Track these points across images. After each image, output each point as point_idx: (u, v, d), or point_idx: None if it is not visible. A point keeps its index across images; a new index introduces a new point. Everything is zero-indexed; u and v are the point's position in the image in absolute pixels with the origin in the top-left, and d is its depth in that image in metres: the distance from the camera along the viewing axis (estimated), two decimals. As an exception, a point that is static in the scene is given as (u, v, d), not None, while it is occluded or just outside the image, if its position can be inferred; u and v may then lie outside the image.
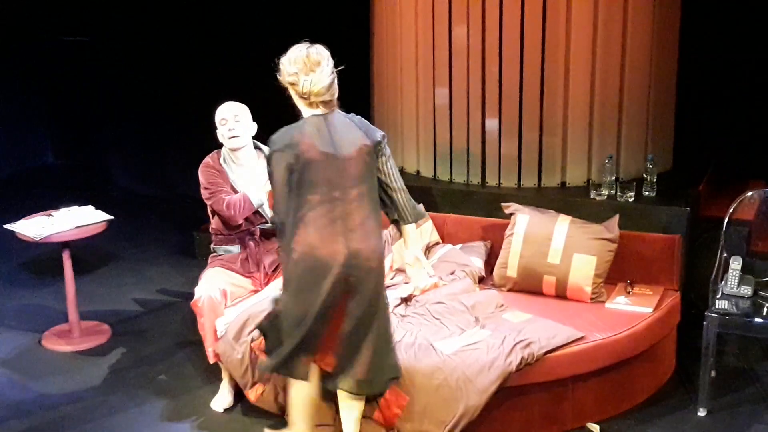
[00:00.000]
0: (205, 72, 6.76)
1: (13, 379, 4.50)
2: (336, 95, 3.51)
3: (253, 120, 4.37)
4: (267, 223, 4.37)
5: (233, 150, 4.32)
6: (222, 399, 4.19)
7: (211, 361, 4.18)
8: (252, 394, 4.05)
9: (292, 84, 3.48)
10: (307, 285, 3.44)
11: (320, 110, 3.49)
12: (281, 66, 3.52)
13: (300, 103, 3.53)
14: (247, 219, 4.33)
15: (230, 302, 4.21)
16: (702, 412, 4.06)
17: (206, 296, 4.13)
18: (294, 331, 3.48)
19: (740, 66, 5.39)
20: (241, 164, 4.34)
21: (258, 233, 4.37)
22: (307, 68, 3.45)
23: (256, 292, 4.32)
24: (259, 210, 4.33)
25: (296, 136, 3.43)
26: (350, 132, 3.51)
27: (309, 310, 3.44)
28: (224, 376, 4.21)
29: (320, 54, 3.49)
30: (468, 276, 4.47)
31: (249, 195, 4.27)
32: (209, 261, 4.42)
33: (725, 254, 4.18)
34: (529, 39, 4.70)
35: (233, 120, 4.28)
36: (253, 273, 4.35)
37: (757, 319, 3.98)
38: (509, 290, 4.46)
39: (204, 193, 4.31)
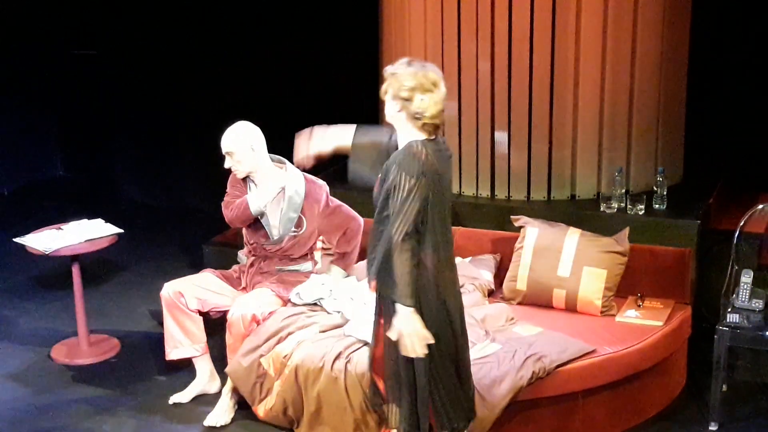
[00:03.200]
0: (215, 84, 6.78)
1: (21, 392, 4.49)
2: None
3: (264, 128, 4.34)
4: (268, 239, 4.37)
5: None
6: (218, 415, 4.15)
7: (167, 356, 4.28)
8: (260, 409, 4.04)
9: (406, 100, 3.17)
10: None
11: (427, 135, 3.22)
12: (395, 77, 3.19)
13: (408, 123, 3.22)
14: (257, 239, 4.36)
15: (202, 308, 4.27)
16: (713, 427, 4.02)
17: (168, 291, 4.25)
18: None
19: (751, 78, 5.39)
20: (259, 183, 4.33)
21: (261, 252, 4.39)
22: (423, 87, 3.18)
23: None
24: (264, 226, 4.33)
25: (425, 158, 3.16)
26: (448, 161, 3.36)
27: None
28: (225, 392, 4.19)
29: (437, 74, 3.20)
30: (477, 289, 4.46)
31: (248, 200, 4.28)
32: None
33: (736, 267, 4.15)
34: (538, 50, 4.70)
35: (228, 158, 4.27)
36: (244, 288, 4.39)
37: (769, 333, 3.96)
38: (519, 303, 4.44)
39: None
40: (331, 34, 6.40)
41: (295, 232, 4.35)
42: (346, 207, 4.51)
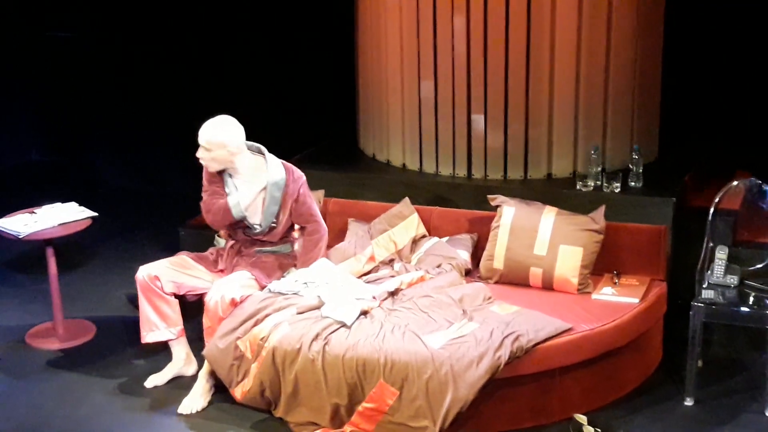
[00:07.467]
0: (191, 67, 6.72)
1: (-3, 378, 4.47)
2: None
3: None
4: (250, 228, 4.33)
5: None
6: (194, 399, 4.12)
7: (143, 339, 4.26)
8: (238, 392, 4.03)
9: None
10: None
11: None
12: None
13: None
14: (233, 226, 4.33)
15: (178, 291, 4.23)
16: (689, 402, 4.06)
17: (143, 274, 4.20)
18: None
19: (726, 57, 5.40)
20: (237, 174, 4.28)
21: (240, 236, 4.35)
22: None
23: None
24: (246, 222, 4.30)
25: None
26: None
27: None
28: (202, 375, 4.17)
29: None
30: (454, 269, 4.46)
31: (230, 204, 4.23)
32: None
33: (711, 244, 4.17)
34: (514, 30, 4.69)
35: (202, 149, 4.19)
36: (221, 270, 4.35)
37: (743, 309, 3.98)
38: (496, 282, 4.44)
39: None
40: (306, 16, 6.36)
41: (274, 223, 4.32)
42: (313, 207, 4.36)
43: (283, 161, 4.36)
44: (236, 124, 4.22)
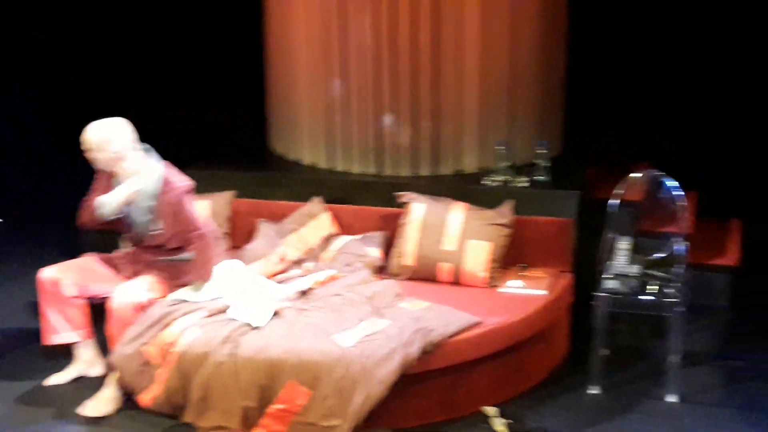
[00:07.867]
0: (97, 67, 6.57)
1: None
2: None
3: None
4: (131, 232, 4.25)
5: None
6: (98, 404, 4.03)
7: (45, 342, 4.19)
8: (145, 398, 3.94)
9: None
10: None
11: None
12: None
13: None
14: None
15: (82, 295, 4.15)
16: (595, 390, 4.15)
17: (45, 277, 4.13)
18: None
19: (628, 52, 5.55)
20: (123, 178, 4.16)
21: (140, 242, 4.27)
22: None
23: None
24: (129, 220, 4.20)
25: None
26: None
27: None
28: (111, 381, 4.06)
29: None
30: (366, 267, 4.46)
31: (97, 203, 4.12)
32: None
33: (613, 234, 4.27)
34: (423, 28, 4.72)
35: (87, 150, 4.10)
36: (126, 275, 4.25)
37: (645, 297, 4.09)
38: (407, 279, 4.46)
39: None
40: (217, 14, 6.29)
41: (156, 230, 4.18)
42: (190, 218, 4.17)
43: (171, 170, 4.19)
44: (122, 127, 4.11)
